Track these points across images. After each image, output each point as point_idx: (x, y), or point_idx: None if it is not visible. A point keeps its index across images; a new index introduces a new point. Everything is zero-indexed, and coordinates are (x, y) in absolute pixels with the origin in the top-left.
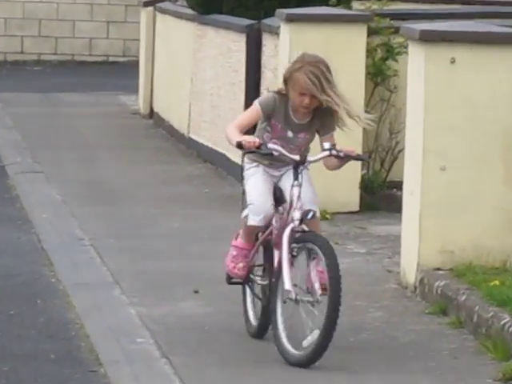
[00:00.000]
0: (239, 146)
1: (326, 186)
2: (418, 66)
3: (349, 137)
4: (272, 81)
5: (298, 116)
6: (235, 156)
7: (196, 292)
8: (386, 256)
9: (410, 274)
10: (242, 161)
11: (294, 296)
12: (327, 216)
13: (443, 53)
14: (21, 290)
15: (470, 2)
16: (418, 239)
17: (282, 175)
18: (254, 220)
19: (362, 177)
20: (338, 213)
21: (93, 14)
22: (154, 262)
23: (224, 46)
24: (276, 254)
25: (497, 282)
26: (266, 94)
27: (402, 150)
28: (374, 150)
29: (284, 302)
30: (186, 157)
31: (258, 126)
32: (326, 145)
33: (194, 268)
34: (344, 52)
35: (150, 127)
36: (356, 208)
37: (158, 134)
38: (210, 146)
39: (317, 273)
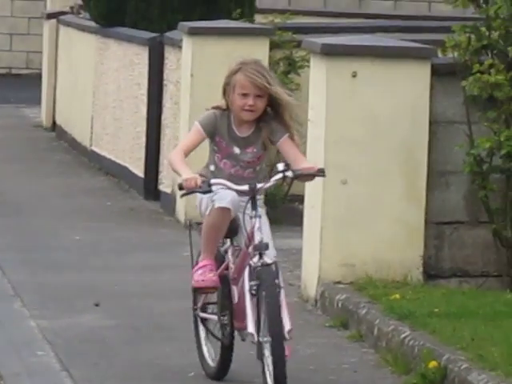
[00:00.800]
0: (179, 187)
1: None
2: (319, 79)
3: None
4: (174, 93)
5: (242, 129)
6: (137, 169)
7: (97, 305)
8: (287, 270)
9: (311, 288)
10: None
11: (256, 339)
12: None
13: (345, 66)
14: None
15: (372, 16)
16: (319, 253)
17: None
18: (223, 202)
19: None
20: None
21: None
22: (55, 275)
23: (126, 59)
24: (234, 289)
25: (397, 296)
26: (205, 112)
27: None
28: (275, 163)
29: (243, 340)
30: (88, 169)
31: (209, 148)
32: (280, 166)
33: (95, 281)
34: None
35: (53, 140)
36: None
37: (60, 147)
38: (113, 158)
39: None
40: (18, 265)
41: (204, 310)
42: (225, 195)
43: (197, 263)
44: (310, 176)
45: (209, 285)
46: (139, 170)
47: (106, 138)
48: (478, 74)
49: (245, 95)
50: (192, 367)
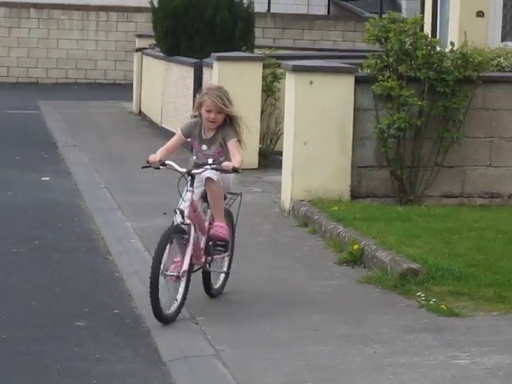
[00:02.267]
0: (146, 161)
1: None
2: (290, 85)
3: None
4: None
5: (207, 133)
6: None
7: (164, 214)
8: (273, 193)
9: (286, 204)
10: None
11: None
12: (239, 171)
13: (305, 78)
14: (65, 213)
15: (320, 49)
16: (291, 183)
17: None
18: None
19: (260, 148)
20: (245, 169)
21: (107, 55)
22: (141, 197)
23: (181, 74)
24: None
25: (336, 208)
26: (186, 120)
27: (282, 133)
28: (266, 133)
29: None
30: (160, 137)
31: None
32: (210, 160)
33: (164, 200)
34: (249, 78)
35: (139, 121)
36: (256, 166)
37: (143, 125)
38: (174, 130)
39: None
40: (120, 191)
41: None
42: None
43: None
44: (225, 172)
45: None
46: None
47: (170, 119)
48: (381, 82)
49: (209, 111)
50: None
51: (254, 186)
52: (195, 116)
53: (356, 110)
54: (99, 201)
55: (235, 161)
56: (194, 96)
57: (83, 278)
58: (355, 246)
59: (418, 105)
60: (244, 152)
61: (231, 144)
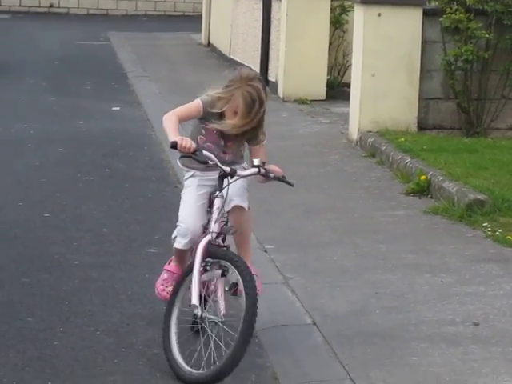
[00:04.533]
0: (173, 146)
1: (306, 84)
2: (358, 17)
3: (318, 57)
4: (277, 25)
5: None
6: (255, 67)
7: None
8: (340, 124)
9: (354, 134)
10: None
11: (200, 312)
12: (307, 102)
13: (373, 10)
14: (135, 142)
15: None
16: (359, 115)
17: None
18: (180, 243)
19: (327, 80)
20: (313, 100)
21: None
22: None
23: (250, 6)
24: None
25: (403, 139)
26: (209, 95)
27: (349, 65)
28: (334, 65)
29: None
30: (228, 68)
31: (194, 123)
32: (256, 161)
33: None
34: (317, 11)
35: (208, 52)
36: (324, 97)
37: (212, 56)
38: (242, 62)
39: (223, 292)
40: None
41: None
42: (186, 232)
43: (170, 261)
44: (280, 180)
45: (163, 299)
46: (257, 68)
47: (239, 50)
48: (449, 14)
49: (236, 113)
50: None
51: (321, 117)
52: (218, 99)
53: (424, 42)
54: None
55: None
56: (263, 28)
57: (153, 206)
58: (422, 177)
59: (486, 37)
60: (312, 83)
61: (259, 149)
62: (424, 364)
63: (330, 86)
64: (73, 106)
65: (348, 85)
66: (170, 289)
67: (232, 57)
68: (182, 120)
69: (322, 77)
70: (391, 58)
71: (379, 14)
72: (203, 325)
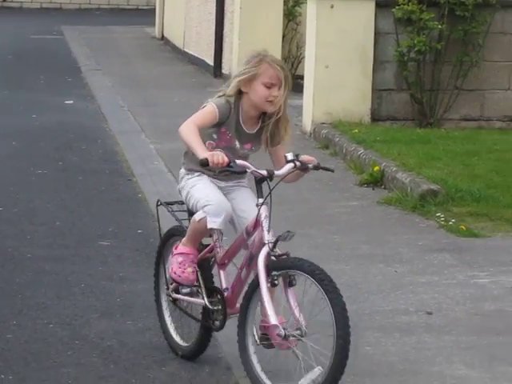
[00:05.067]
0: (204, 163)
1: None
2: (311, 9)
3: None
4: (230, 18)
5: (248, 125)
6: (210, 60)
7: None
8: (294, 116)
9: (308, 126)
10: (183, 168)
11: (283, 332)
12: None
13: (326, 2)
14: (89, 135)
15: None
16: (312, 106)
17: (230, 188)
18: (215, 222)
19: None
20: None
21: None
22: (163, 120)
23: (203, 0)
24: (222, 274)
25: (356, 131)
26: (221, 98)
27: (303, 58)
28: (287, 57)
29: (257, 343)
30: (181, 62)
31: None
32: (289, 155)
33: None
34: (271, 3)
35: (162, 45)
36: None
37: (166, 49)
38: (196, 55)
39: (297, 302)
40: (143, 113)
41: (178, 291)
42: (219, 209)
43: (176, 246)
44: (320, 168)
45: (184, 282)
46: (211, 61)
47: (192, 44)
48: (402, 5)
49: (270, 86)
50: None
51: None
52: (223, 96)
53: (376, 33)
54: (122, 123)
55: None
56: (217, 21)
57: (107, 199)
58: (376, 168)
59: (438, 28)
60: None
61: (282, 149)
62: (378, 353)
63: None
64: (26, 99)
65: (302, 77)
66: (190, 270)
67: (186, 50)
68: (201, 128)
69: None
70: (344, 49)
71: (332, 6)
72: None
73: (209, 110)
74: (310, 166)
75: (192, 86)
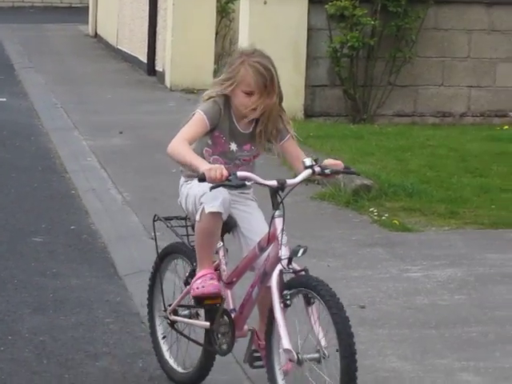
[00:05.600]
0: (202, 179)
1: (194, 74)
2: (244, 6)
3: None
4: (163, 15)
5: (242, 124)
6: (143, 57)
7: (121, 133)
8: None
9: None
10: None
11: (295, 357)
12: (195, 91)
13: None
14: (22, 132)
15: None
16: None
17: (233, 200)
18: (213, 206)
19: (215, 69)
20: (201, 89)
21: None
22: (97, 116)
23: None
24: (229, 294)
25: None
26: (207, 102)
27: None
28: (221, 53)
29: (285, 374)
30: (115, 59)
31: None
32: (307, 161)
33: (120, 119)
34: (205, 0)
35: (95, 43)
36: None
37: (99, 47)
38: (129, 52)
39: (317, 320)
40: (76, 110)
41: (176, 313)
42: (214, 196)
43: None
44: (341, 173)
45: (211, 290)
46: (144, 58)
47: (126, 41)
48: (334, 2)
49: (249, 94)
50: None
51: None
52: (211, 98)
53: (309, 29)
54: (55, 120)
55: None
56: (150, 18)
57: (40, 196)
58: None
59: (371, 24)
60: (199, 72)
61: (289, 143)
62: None
63: (215, 72)
64: None
65: None
66: (212, 281)
67: (119, 47)
68: (192, 143)
69: (209, 66)
70: (277, 45)
71: (265, 2)
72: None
73: (196, 119)
74: (328, 171)
75: (125, 83)
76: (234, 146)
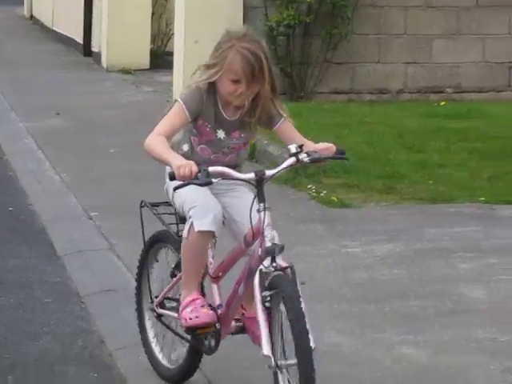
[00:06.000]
0: (171, 177)
1: (130, 54)
2: None
3: (140, 23)
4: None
5: (229, 111)
6: (79, 39)
7: (58, 114)
8: (164, 92)
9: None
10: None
11: (273, 363)
12: (131, 71)
13: None
14: None
15: None
16: (182, 82)
17: (222, 190)
18: (203, 224)
19: (151, 49)
20: (137, 70)
21: None
22: (34, 98)
23: None
24: (215, 289)
25: None
26: (189, 88)
27: (172, 34)
28: (157, 34)
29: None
30: (52, 41)
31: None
32: (292, 147)
33: (57, 101)
34: None
35: (31, 24)
36: (147, 67)
37: (35, 29)
38: (65, 33)
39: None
40: (12, 92)
41: (163, 305)
42: (205, 211)
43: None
44: (329, 158)
45: (205, 320)
46: (80, 39)
47: (62, 22)
48: None
49: (236, 81)
50: None
51: (146, 86)
52: (202, 83)
53: (246, 7)
54: None
55: (313, 145)
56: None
57: None
58: None
59: (307, 2)
60: (135, 53)
61: (285, 126)
62: None
63: (154, 55)
64: None
65: (171, 53)
66: (205, 309)
67: (55, 29)
68: (171, 136)
69: (146, 46)
70: (214, 24)
71: None
72: (279, 375)
73: (174, 111)
74: (313, 158)
75: (61, 64)
76: (221, 134)
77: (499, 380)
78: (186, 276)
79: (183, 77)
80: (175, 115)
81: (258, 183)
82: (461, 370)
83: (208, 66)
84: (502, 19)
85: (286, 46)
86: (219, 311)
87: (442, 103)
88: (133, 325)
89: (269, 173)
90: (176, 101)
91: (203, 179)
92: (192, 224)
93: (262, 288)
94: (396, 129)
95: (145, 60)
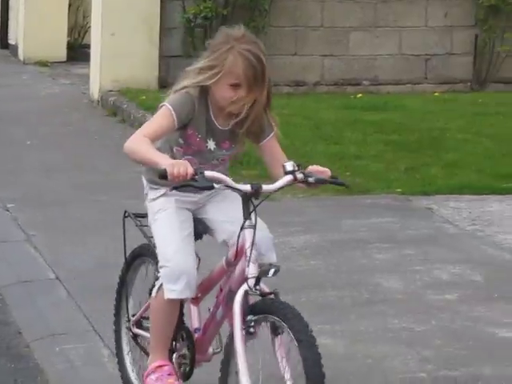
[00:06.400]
0: (163, 176)
1: (47, 47)
2: None
3: (57, 15)
4: None
5: (221, 120)
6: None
7: None
8: (81, 85)
9: (95, 94)
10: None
11: None
12: (48, 64)
13: None
14: None
15: None
16: (99, 74)
17: (204, 202)
18: (174, 291)
19: (68, 41)
20: (54, 62)
21: None
22: None
23: None
24: (194, 311)
25: (144, 97)
26: (177, 93)
27: (90, 27)
28: (74, 26)
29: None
30: None
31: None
32: (288, 165)
33: None
34: None
35: None
36: (64, 59)
37: None
38: None
39: (284, 355)
40: None
41: (140, 325)
42: (178, 274)
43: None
44: (328, 182)
45: None
46: None
47: None
48: None
49: (236, 86)
50: None
51: (62, 79)
52: (185, 88)
53: (163, 0)
54: None
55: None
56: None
57: None
58: None
59: None
60: (52, 45)
61: (271, 142)
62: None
63: (71, 47)
64: None
65: (88, 46)
66: (171, 380)
67: None
68: (155, 140)
69: (63, 39)
70: (131, 16)
71: None
72: None
73: (162, 113)
74: (311, 179)
75: None
76: (211, 145)
77: (417, 369)
78: (154, 338)
79: (100, 69)
80: (163, 118)
81: (247, 198)
82: (378, 360)
83: (202, 69)
84: (419, 11)
85: (204, 39)
86: (196, 335)
87: (359, 95)
88: (50, 316)
89: (266, 188)
90: (163, 106)
91: (203, 183)
92: (161, 288)
93: (245, 311)
94: (313, 121)
95: (62, 52)
